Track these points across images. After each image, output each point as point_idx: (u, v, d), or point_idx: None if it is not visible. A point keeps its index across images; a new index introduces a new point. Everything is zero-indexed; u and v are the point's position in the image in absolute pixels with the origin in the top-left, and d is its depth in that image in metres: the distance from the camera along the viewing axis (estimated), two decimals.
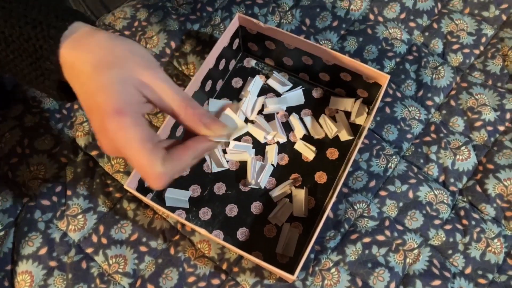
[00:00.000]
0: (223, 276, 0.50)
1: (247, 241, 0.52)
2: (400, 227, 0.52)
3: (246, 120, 0.58)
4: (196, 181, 0.54)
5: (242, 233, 0.52)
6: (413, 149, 0.56)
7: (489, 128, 0.57)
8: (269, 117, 0.58)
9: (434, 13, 0.64)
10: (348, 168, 0.48)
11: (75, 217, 0.52)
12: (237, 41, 0.58)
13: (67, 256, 0.50)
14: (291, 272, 0.44)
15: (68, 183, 0.53)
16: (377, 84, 0.53)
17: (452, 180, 0.55)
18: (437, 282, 0.49)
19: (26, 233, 0.50)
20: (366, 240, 0.51)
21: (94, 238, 0.51)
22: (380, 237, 0.51)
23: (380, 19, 0.64)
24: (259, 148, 0.56)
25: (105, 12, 0.66)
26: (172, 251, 0.51)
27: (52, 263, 0.50)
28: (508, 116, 0.58)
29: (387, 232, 0.51)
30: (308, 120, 0.57)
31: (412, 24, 0.63)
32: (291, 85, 0.59)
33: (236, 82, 0.60)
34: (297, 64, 0.58)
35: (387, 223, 0.52)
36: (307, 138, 0.57)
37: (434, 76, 0.60)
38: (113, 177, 0.54)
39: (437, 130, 0.57)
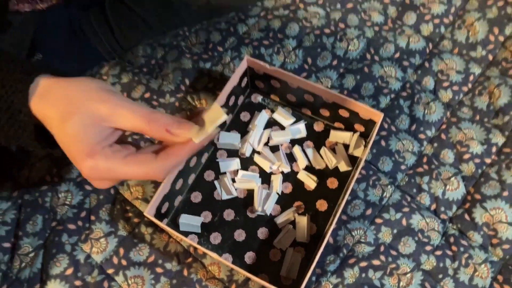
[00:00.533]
0: None
1: (254, 264, 0.57)
2: (394, 252, 0.56)
3: (253, 151, 0.63)
4: (207, 207, 0.60)
5: (249, 256, 0.57)
6: (406, 180, 0.61)
7: (477, 160, 0.62)
8: (274, 149, 0.63)
9: (426, 53, 0.70)
10: (347, 197, 0.53)
11: (98, 240, 0.57)
12: (245, 79, 0.64)
13: (90, 276, 0.55)
14: None
15: (92, 209, 0.58)
16: (372, 120, 0.59)
17: (442, 208, 0.60)
18: None
19: (54, 255, 0.55)
20: (363, 264, 0.55)
21: (115, 260, 0.56)
22: (376, 262, 0.56)
23: (376, 58, 0.70)
24: (265, 177, 0.61)
25: (120, 50, 0.72)
26: (185, 272, 0.56)
27: (77, 283, 0.55)
28: (494, 149, 0.63)
29: (382, 257, 0.56)
30: (310, 151, 0.63)
31: (405, 63, 0.69)
32: (294, 119, 0.65)
33: (244, 116, 0.66)
34: (300, 101, 0.64)
35: (382, 248, 0.57)
36: (309, 168, 0.62)
37: (426, 111, 0.66)
38: (132, 204, 0.59)
39: (429, 161, 0.62)
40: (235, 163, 0.61)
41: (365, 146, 0.62)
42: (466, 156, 0.62)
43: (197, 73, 0.68)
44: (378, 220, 0.58)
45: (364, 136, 0.63)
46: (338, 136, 0.63)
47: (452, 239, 0.58)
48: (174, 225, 0.58)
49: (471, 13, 0.71)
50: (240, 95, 0.65)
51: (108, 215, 0.58)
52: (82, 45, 0.71)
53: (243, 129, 0.65)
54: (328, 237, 0.51)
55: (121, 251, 0.57)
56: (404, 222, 0.58)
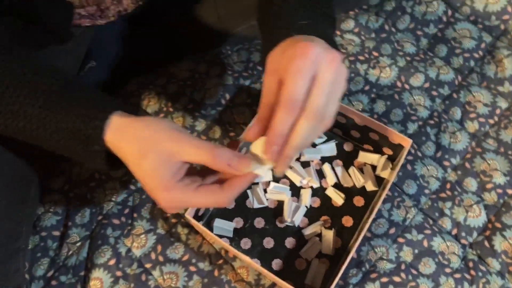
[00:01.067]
0: None
1: (280, 271, 0.60)
2: (414, 271, 0.59)
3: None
4: (239, 214, 0.64)
5: (276, 263, 0.61)
6: (430, 203, 0.64)
7: (499, 190, 0.65)
8: (305, 164, 0.67)
9: (455, 85, 0.74)
10: (373, 216, 0.57)
11: (139, 236, 0.62)
12: None
13: (130, 268, 0.60)
14: None
15: (135, 207, 0.64)
16: (401, 145, 0.62)
17: (463, 234, 0.62)
18: None
19: (99, 246, 0.60)
20: (384, 280, 0.59)
21: (153, 256, 0.61)
22: (397, 278, 0.59)
23: (407, 86, 0.73)
24: (295, 191, 0.65)
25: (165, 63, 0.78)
26: (216, 273, 0.60)
27: (118, 273, 0.59)
28: None
29: (403, 275, 0.59)
30: (339, 170, 0.67)
31: (434, 93, 0.73)
32: (325, 138, 0.69)
33: None
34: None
35: (403, 266, 0.60)
36: (338, 185, 0.66)
37: (451, 140, 0.69)
38: None
39: (452, 188, 0.66)
40: (268, 175, 0.66)
41: (393, 169, 0.65)
42: (489, 186, 0.65)
43: (237, 89, 0.73)
44: (401, 240, 0.61)
45: (392, 159, 0.66)
46: (366, 157, 0.67)
47: (471, 264, 0.60)
48: (208, 228, 0.62)
49: (501, 50, 0.75)
50: None
51: (148, 214, 0.63)
52: (132, 55, 0.77)
53: None
54: (352, 253, 0.54)
55: (159, 248, 0.61)
56: (425, 243, 0.61)
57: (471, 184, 0.66)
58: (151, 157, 0.39)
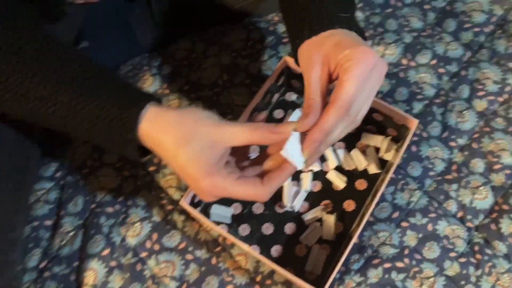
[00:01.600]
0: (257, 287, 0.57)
1: (280, 257, 0.59)
2: (418, 256, 0.58)
3: None
4: (237, 199, 0.62)
5: (276, 250, 0.59)
6: (435, 186, 0.62)
7: (507, 171, 0.62)
8: None
9: (463, 61, 0.70)
10: (376, 200, 0.54)
11: (133, 224, 0.60)
12: (282, 78, 0.66)
13: (125, 258, 0.58)
14: None
15: (128, 194, 0.62)
16: (406, 126, 0.59)
17: (469, 217, 0.60)
18: None
19: (93, 235, 0.59)
20: (387, 265, 0.57)
21: (148, 244, 0.59)
22: (400, 264, 0.57)
23: (412, 64, 0.70)
24: (295, 175, 0.63)
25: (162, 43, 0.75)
26: (214, 260, 0.58)
27: (113, 263, 0.58)
28: None
29: (406, 260, 0.57)
30: (341, 152, 0.64)
31: (441, 70, 0.69)
32: None
33: (278, 114, 0.67)
34: None
35: (406, 251, 0.58)
36: (339, 168, 0.63)
37: (459, 119, 0.66)
38: (166, 191, 0.62)
39: (458, 169, 0.63)
40: (300, 166, 0.63)
41: (397, 150, 0.63)
42: (497, 167, 0.63)
43: (235, 68, 0.70)
44: (404, 224, 0.59)
45: (396, 140, 0.63)
46: (370, 139, 0.64)
47: (476, 247, 0.58)
48: (205, 215, 0.61)
49: None
50: (275, 93, 0.67)
51: (143, 201, 0.61)
52: (126, 36, 0.74)
53: None
54: (355, 238, 0.52)
55: (154, 236, 0.59)
56: (430, 227, 0.59)
57: (478, 165, 0.63)
58: (195, 143, 0.39)
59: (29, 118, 0.42)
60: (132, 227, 0.60)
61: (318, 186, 0.62)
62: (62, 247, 0.59)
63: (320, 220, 0.60)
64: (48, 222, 0.60)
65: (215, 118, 0.41)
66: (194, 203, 0.59)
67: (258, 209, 0.61)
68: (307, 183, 0.62)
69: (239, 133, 0.40)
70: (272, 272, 0.58)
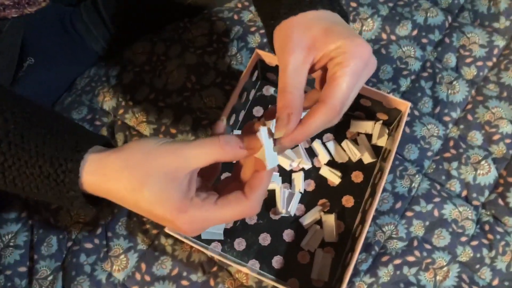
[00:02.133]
0: None
1: (282, 268, 0.54)
2: (428, 246, 0.54)
3: None
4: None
5: (277, 261, 0.55)
6: (434, 166, 0.58)
7: (507, 140, 0.59)
8: None
9: (445, 27, 0.66)
10: (379, 194, 0.50)
11: (118, 257, 0.54)
12: (256, 72, 0.60)
13: None
14: None
15: (107, 225, 0.56)
16: (397, 108, 0.55)
17: (474, 194, 0.57)
18: None
19: (74, 277, 0.53)
20: (397, 261, 0.53)
21: (138, 276, 0.54)
22: (410, 258, 0.53)
23: (393, 37, 0.65)
24: (286, 176, 0.58)
25: (117, 48, 0.68)
26: (212, 282, 0.54)
27: None
28: None
29: (417, 253, 0.53)
30: (331, 145, 0.59)
31: (424, 40, 0.65)
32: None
33: (257, 111, 0.62)
34: None
35: (415, 243, 0.54)
36: (332, 163, 0.59)
37: (449, 91, 0.62)
38: None
39: (456, 145, 0.59)
40: (275, 161, 0.58)
41: (390, 135, 0.58)
42: (496, 137, 0.59)
43: (202, 68, 0.64)
44: (409, 213, 0.56)
45: (388, 124, 0.59)
46: (359, 126, 0.60)
47: (487, 227, 0.55)
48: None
49: None
50: (251, 89, 0.61)
51: (125, 229, 0.55)
52: (76, 44, 0.66)
53: None
54: (363, 239, 0.48)
55: (143, 266, 0.54)
56: (436, 213, 0.55)
57: (476, 137, 0.60)
58: (152, 181, 0.33)
59: None
60: (116, 260, 0.54)
61: (311, 185, 0.58)
62: None
63: (319, 222, 0.56)
64: (23, 269, 0.54)
65: (168, 143, 0.35)
66: None
67: (251, 219, 0.56)
68: (300, 184, 0.57)
69: (203, 155, 0.34)
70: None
